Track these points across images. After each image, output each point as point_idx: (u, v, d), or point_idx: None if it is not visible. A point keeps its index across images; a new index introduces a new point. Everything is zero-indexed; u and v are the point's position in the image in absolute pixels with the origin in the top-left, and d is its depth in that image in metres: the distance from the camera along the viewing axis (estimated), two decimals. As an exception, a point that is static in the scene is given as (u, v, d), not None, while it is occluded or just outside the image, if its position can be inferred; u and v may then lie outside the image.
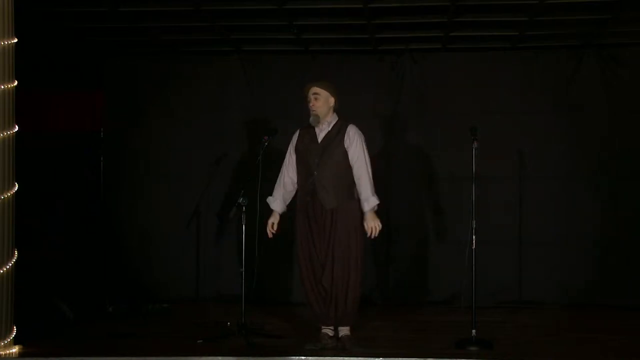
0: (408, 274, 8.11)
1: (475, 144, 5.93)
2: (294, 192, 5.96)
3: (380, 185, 8.05)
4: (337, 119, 5.91)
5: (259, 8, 7.05)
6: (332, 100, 5.88)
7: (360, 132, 5.85)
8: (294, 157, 5.94)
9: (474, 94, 8.15)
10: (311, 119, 5.87)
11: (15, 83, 5.63)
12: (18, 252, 5.70)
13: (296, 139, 5.98)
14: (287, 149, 6.00)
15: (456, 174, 7.90)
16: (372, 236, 5.72)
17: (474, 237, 6.00)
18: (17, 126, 5.65)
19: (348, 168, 5.77)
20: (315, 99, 5.88)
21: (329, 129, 5.86)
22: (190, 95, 8.39)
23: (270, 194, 5.95)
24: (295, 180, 5.91)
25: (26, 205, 6.08)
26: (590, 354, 5.89)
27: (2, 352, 5.48)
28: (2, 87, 5.48)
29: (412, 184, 8.20)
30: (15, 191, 5.64)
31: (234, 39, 7.99)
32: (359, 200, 5.75)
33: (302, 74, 8.25)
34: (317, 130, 5.88)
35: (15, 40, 5.62)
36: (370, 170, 5.77)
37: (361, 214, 5.73)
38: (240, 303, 6.17)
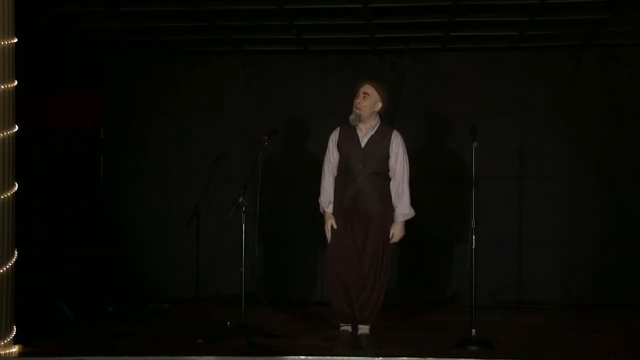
0: (408, 274, 8.10)
1: (475, 144, 5.93)
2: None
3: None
4: (379, 123, 5.77)
5: (259, 8, 7.05)
6: (379, 105, 5.74)
7: (402, 139, 5.77)
8: (336, 156, 5.78)
9: (474, 94, 8.15)
10: (352, 117, 5.72)
11: (15, 83, 5.63)
12: (18, 252, 5.70)
13: (337, 138, 5.82)
14: (326, 147, 5.86)
15: (456, 174, 7.90)
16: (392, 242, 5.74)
17: (474, 237, 6.00)
18: (17, 126, 5.65)
19: (388, 178, 5.73)
20: (364, 97, 5.72)
21: (372, 133, 5.73)
22: (190, 95, 8.39)
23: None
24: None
25: (26, 205, 6.08)
26: (590, 354, 5.89)
27: (2, 352, 5.48)
28: (2, 87, 5.47)
29: (411, 184, 8.18)
30: (15, 191, 5.64)
31: (234, 39, 7.99)
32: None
33: (302, 74, 8.28)
34: (359, 132, 5.75)
35: (15, 40, 5.62)
36: (408, 181, 5.73)
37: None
38: (240, 303, 6.18)
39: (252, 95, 8.33)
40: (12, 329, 5.63)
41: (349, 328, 5.82)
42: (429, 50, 8.22)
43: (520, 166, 8.03)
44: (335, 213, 5.75)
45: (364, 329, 5.78)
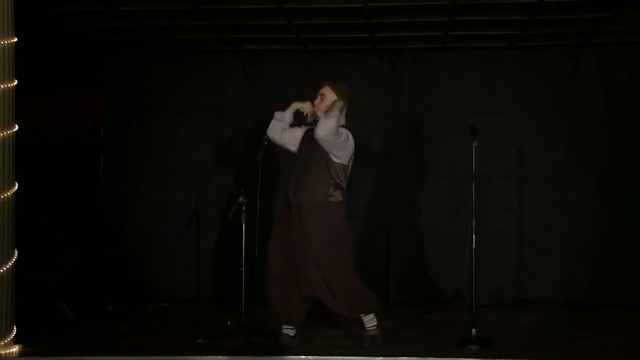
0: (408, 273, 8.10)
1: (475, 144, 5.94)
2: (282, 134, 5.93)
3: (380, 185, 8.17)
4: (342, 123, 5.73)
5: (259, 8, 7.05)
6: (339, 105, 5.74)
7: (350, 137, 5.68)
8: (292, 137, 5.89)
9: (474, 94, 8.15)
10: (307, 116, 5.80)
11: (15, 83, 5.63)
12: (18, 252, 5.70)
13: (301, 135, 5.92)
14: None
15: (456, 173, 7.91)
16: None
17: (474, 237, 6.00)
18: (17, 126, 5.66)
19: (325, 171, 5.66)
20: (321, 99, 5.80)
21: None
22: (190, 95, 8.38)
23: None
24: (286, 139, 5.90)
25: (26, 205, 6.08)
26: (590, 353, 5.89)
27: (2, 352, 5.49)
28: (2, 87, 5.48)
29: (411, 184, 8.20)
30: (15, 191, 5.64)
31: (234, 38, 7.99)
32: (335, 202, 5.67)
33: (302, 74, 8.26)
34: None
35: (15, 40, 5.62)
36: (336, 144, 5.59)
37: (339, 215, 5.68)
38: (240, 303, 6.18)
39: (252, 95, 8.33)
40: (12, 329, 5.64)
41: (289, 331, 5.86)
42: (429, 50, 8.22)
43: (520, 166, 8.03)
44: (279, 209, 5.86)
45: (368, 322, 5.79)
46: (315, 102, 5.81)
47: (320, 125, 5.56)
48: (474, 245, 6.02)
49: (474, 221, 6.01)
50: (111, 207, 8.36)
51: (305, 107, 5.79)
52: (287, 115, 5.89)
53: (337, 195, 5.69)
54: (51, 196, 8.18)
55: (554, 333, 6.64)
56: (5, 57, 5.51)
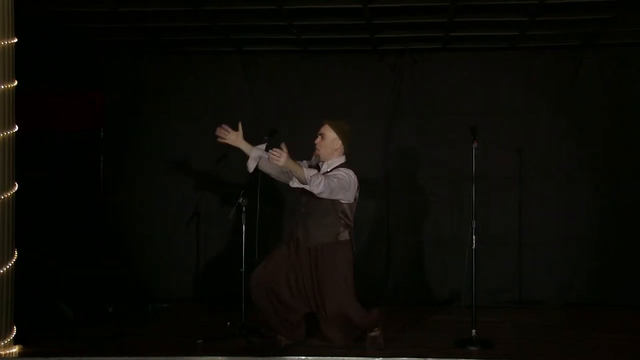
0: (408, 274, 8.10)
1: (475, 144, 5.94)
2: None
3: (379, 185, 8.17)
4: (342, 162, 5.81)
5: (259, 8, 7.05)
6: (338, 144, 5.80)
7: (351, 173, 5.69)
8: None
9: (474, 94, 8.14)
10: (312, 157, 5.86)
11: (15, 83, 5.63)
12: (18, 252, 5.70)
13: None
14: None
15: (456, 174, 7.90)
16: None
17: (474, 237, 6.00)
18: (17, 126, 5.66)
19: (332, 212, 5.70)
20: (321, 138, 5.83)
21: (328, 170, 5.78)
22: (190, 95, 8.38)
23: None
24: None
25: (26, 205, 6.08)
26: (590, 354, 5.90)
27: (2, 352, 5.49)
28: (2, 87, 5.48)
29: (411, 184, 8.20)
30: (15, 191, 5.64)
31: (234, 39, 7.99)
32: (342, 242, 5.72)
33: (302, 74, 8.27)
34: (320, 167, 5.83)
35: (15, 40, 5.62)
36: (336, 187, 5.56)
37: (344, 255, 5.72)
38: (240, 304, 6.18)
39: (252, 95, 8.33)
40: (12, 329, 5.64)
41: (284, 339, 5.90)
42: (429, 50, 8.22)
43: (520, 166, 8.03)
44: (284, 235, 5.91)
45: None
46: (316, 141, 5.85)
47: (312, 188, 5.52)
48: (474, 246, 6.02)
49: (474, 222, 6.01)
50: (111, 207, 8.36)
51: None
52: (250, 164, 5.91)
53: (345, 235, 5.76)
54: (51, 196, 8.18)
55: (553, 333, 6.64)
56: (5, 57, 5.51)
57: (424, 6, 6.98)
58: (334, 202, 5.69)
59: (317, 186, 5.47)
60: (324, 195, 5.56)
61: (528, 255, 8.00)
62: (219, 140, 5.83)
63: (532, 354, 5.83)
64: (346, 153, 5.89)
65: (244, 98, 8.33)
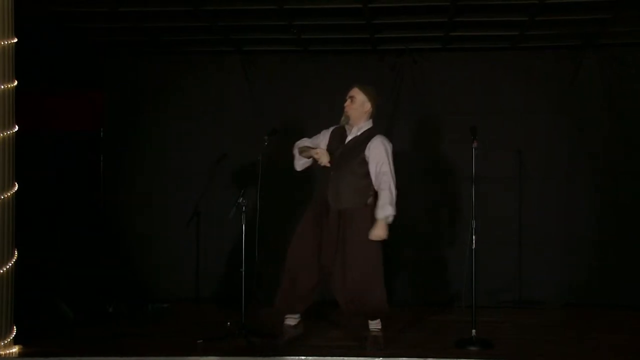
0: (408, 274, 8.10)
1: (475, 144, 5.94)
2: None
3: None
4: (370, 126, 5.94)
5: (259, 8, 7.05)
6: (367, 106, 5.92)
7: (387, 143, 5.84)
8: (322, 144, 5.96)
9: (474, 94, 8.14)
10: (342, 118, 5.92)
11: (15, 83, 5.63)
12: (18, 252, 5.70)
13: (330, 133, 6.01)
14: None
15: (456, 174, 7.91)
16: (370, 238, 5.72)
17: (474, 237, 6.00)
18: (17, 126, 5.66)
19: (363, 177, 5.78)
20: (351, 101, 5.92)
21: (358, 134, 5.90)
22: (190, 95, 8.38)
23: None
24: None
25: (26, 205, 6.08)
26: (590, 354, 5.89)
27: (2, 352, 5.49)
28: (2, 87, 5.48)
29: (411, 184, 8.18)
30: (15, 191, 5.64)
31: (234, 39, 7.99)
32: (373, 208, 5.75)
33: (302, 74, 8.27)
34: (347, 131, 5.93)
35: (15, 40, 5.62)
36: (394, 181, 5.77)
37: (373, 221, 5.72)
38: (240, 304, 6.18)
39: (252, 95, 8.33)
40: (12, 329, 5.64)
41: (291, 321, 5.95)
42: (429, 50, 8.22)
43: (520, 166, 8.02)
44: (308, 207, 5.92)
45: (373, 325, 5.86)
46: (346, 104, 5.94)
47: (382, 210, 5.71)
48: (474, 246, 6.01)
49: (474, 222, 6.01)
50: (111, 207, 8.36)
51: (318, 156, 5.88)
52: (298, 162, 6.08)
53: (373, 202, 5.82)
54: (51, 196, 8.18)
55: (553, 334, 6.64)
56: (5, 57, 5.51)
57: (424, 6, 6.99)
58: (365, 168, 5.77)
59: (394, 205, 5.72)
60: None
61: (528, 255, 8.00)
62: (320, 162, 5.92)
63: (532, 354, 5.83)
64: (374, 117, 5.97)
65: (244, 98, 8.33)
